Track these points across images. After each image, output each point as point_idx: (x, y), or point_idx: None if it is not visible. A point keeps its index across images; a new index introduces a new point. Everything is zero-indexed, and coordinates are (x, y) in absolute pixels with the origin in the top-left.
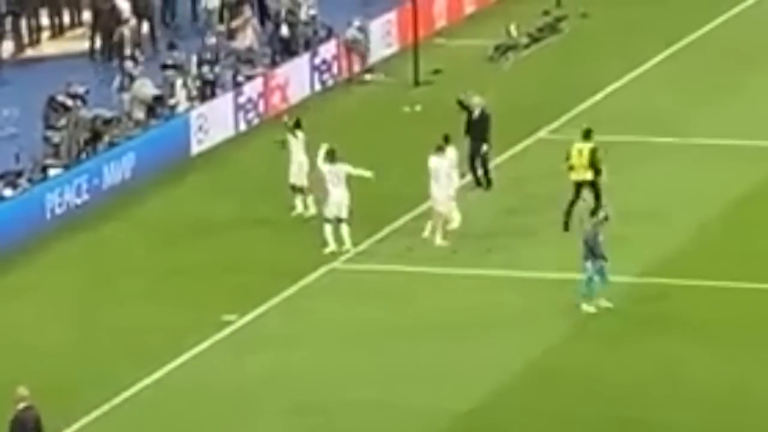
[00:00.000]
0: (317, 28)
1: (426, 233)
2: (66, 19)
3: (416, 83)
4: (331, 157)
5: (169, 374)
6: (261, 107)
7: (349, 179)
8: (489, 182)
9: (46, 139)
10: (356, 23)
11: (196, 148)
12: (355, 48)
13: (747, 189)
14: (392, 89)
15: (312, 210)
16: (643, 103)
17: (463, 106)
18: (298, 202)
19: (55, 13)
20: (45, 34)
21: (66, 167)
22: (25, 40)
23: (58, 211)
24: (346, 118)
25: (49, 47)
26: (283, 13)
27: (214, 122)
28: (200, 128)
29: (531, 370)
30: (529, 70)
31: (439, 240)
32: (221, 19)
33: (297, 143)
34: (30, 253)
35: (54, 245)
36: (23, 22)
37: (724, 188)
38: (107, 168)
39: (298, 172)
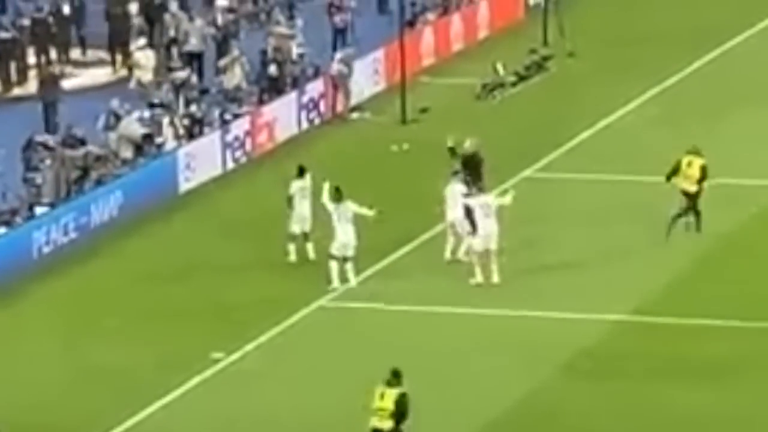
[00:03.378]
0: (305, 67)
1: (447, 255)
2: (53, 56)
3: (404, 121)
4: (338, 195)
5: (157, 412)
6: (248, 145)
7: (356, 217)
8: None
9: (27, 181)
10: (338, 56)
11: (183, 186)
12: (341, 82)
13: (733, 227)
14: (380, 127)
15: (312, 255)
16: (629, 141)
17: (454, 153)
18: (292, 247)
19: (42, 52)
20: (31, 73)
21: (53, 206)
22: (13, 78)
23: (45, 249)
24: (334, 156)
25: (35, 86)
26: (270, 52)
27: (201, 160)
28: (188, 166)
29: (518, 409)
30: (516, 109)
31: (462, 255)
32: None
33: (300, 189)
34: (17, 291)
35: (41, 283)
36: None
37: (710, 227)
38: (95, 206)
39: (301, 219)
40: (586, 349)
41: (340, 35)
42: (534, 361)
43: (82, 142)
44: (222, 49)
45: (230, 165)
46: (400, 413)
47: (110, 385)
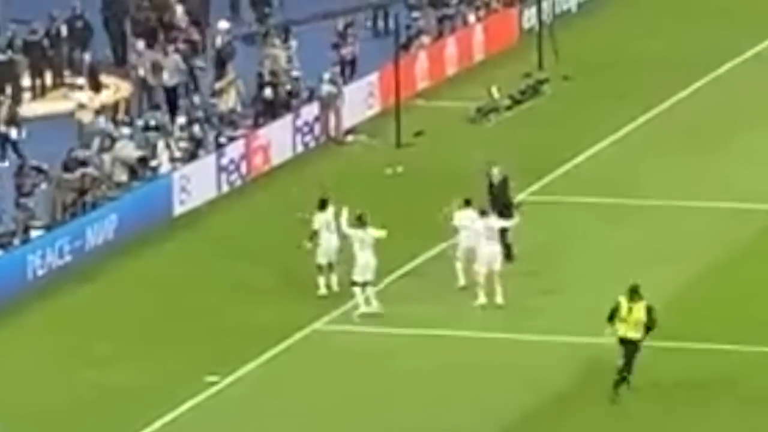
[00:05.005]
0: (300, 90)
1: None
2: (48, 80)
3: (398, 145)
4: (361, 221)
5: None
6: (243, 168)
7: (376, 243)
8: (511, 256)
9: (19, 206)
10: (327, 76)
11: (178, 209)
12: (330, 103)
13: (726, 252)
14: (374, 151)
15: (335, 288)
16: (623, 165)
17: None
18: (322, 281)
19: (37, 75)
20: (26, 95)
21: (48, 228)
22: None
23: (39, 272)
24: (329, 179)
25: (30, 108)
26: (266, 75)
27: (196, 183)
28: (183, 189)
29: None
30: (510, 132)
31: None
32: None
33: (325, 221)
34: (12, 313)
35: (35, 306)
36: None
37: (703, 251)
38: (90, 229)
39: (327, 250)
40: (584, 372)
41: (348, 67)
42: (531, 384)
43: (84, 164)
44: (219, 72)
45: (225, 188)
46: (652, 321)
47: (104, 407)
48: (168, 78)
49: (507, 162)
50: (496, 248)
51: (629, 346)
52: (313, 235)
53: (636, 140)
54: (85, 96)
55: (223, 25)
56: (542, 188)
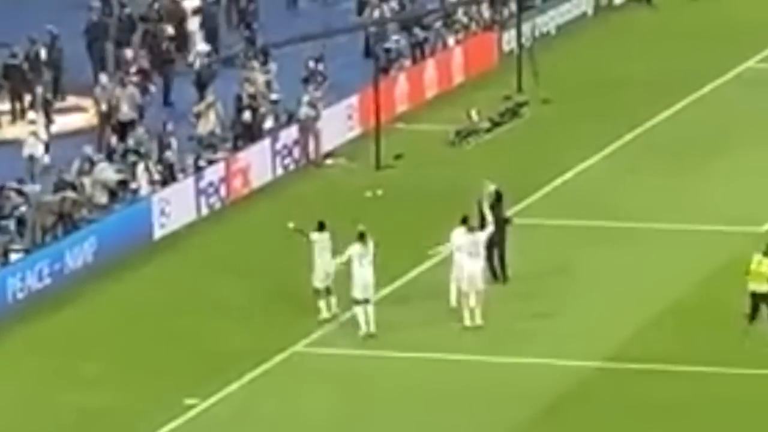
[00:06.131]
0: (279, 113)
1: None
2: (27, 102)
3: (378, 167)
4: (363, 239)
5: None
6: (223, 191)
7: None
8: (505, 277)
9: (1, 229)
10: (305, 98)
11: (158, 232)
12: (309, 126)
13: (704, 274)
14: (354, 173)
15: (335, 309)
16: (603, 188)
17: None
18: (323, 305)
19: (16, 98)
20: (5, 119)
21: (27, 252)
22: None
23: (19, 295)
24: (308, 202)
25: (8, 131)
26: (245, 98)
27: (176, 206)
28: (162, 212)
29: None
30: (490, 155)
31: (455, 302)
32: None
33: (322, 244)
34: None
35: (15, 330)
36: None
37: (683, 273)
38: (69, 252)
39: (324, 274)
40: (562, 394)
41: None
42: (511, 406)
43: (74, 187)
44: (200, 95)
45: (204, 211)
46: None
47: (84, 430)
48: (127, 111)
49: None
50: (479, 266)
51: (756, 299)
52: (300, 232)
53: (615, 162)
54: (35, 127)
55: (203, 47)
56: (522, 211)
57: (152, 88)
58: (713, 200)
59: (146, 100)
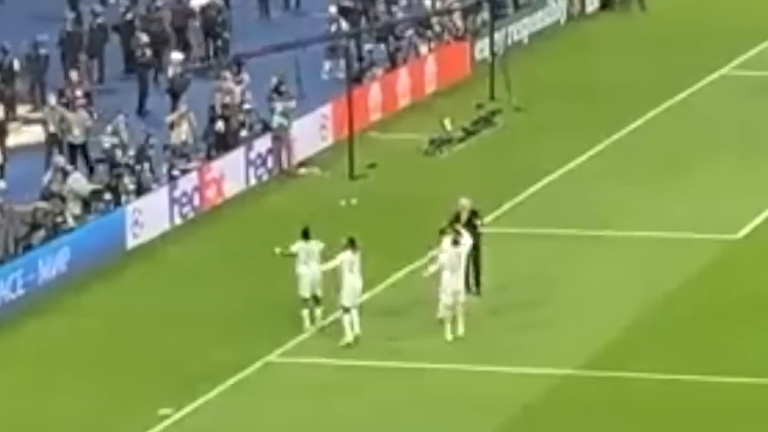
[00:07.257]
0: (253, 122)
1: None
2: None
3: (352, 176)
4: (352, 245)
5: None
6: (196, 201)
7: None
8: (479, 291)
9: None
10: (279, 108)
11: (131, 243)
12: (282, 135)
13: (679, 282)
14: (328, 183)
15: (320, 323)
16: (577, 196)
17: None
18: (305, 314)
19: None
20: None
21: (1, 262)
22: None
23: None
24: (282, 212)
25: None
26: (218, 108)
27: (149, 216)
28: (136, 222)
29: None
30: (463, 164)
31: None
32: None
33: (309, 253)
34: None
35: None
36: None
37: (659, 281)
38: (42, 262)
39: (310, 283)
40: (538, 402)
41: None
42: (486, 415)
43: (62, 199)
44: (173, 104)
45: (178, 220)
46: None
47: None
48: (78, 134)
49: (460, 194)
50: (460, 278)
51: None
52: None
53: (589, 171)
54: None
55: (177, 56)
56: (495, 220)
57: (95, 115)
58: (688, 208)
59: (94, 122)
